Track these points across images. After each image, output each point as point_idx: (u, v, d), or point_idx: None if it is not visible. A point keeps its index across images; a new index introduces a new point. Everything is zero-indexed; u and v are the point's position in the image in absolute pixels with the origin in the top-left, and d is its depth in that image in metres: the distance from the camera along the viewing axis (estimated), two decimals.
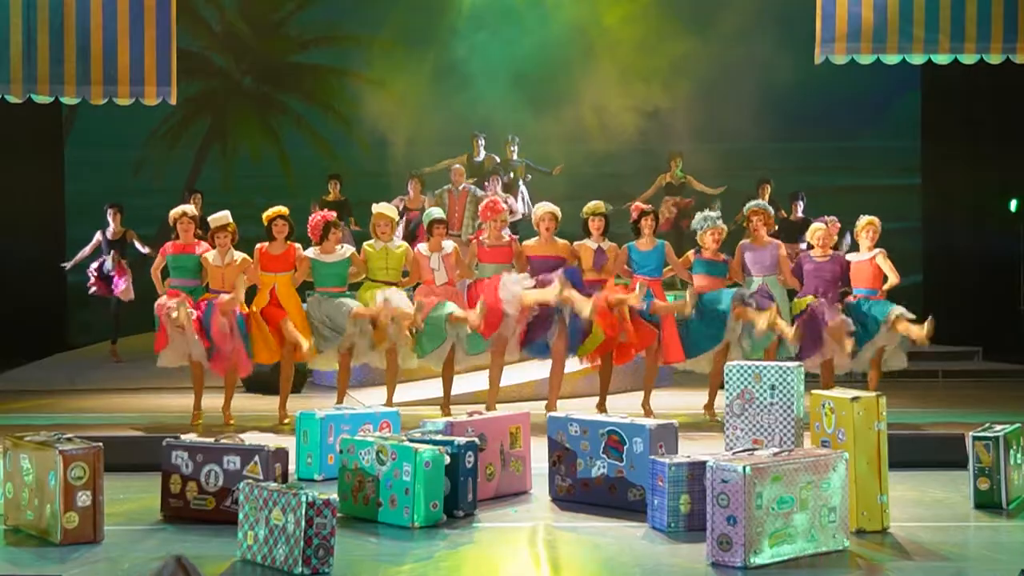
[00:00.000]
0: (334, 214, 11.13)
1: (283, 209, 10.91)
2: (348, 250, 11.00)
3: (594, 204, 11.02)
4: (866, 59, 12.48)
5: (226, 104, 19.52)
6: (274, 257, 10.83)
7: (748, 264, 10.99)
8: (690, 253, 11.11)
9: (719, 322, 10.61)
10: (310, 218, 11.04)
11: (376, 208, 11.05)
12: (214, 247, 10.75)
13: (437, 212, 11.19)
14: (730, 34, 18.11)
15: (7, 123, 15.09)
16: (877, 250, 10.88)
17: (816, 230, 11.03)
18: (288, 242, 10.84)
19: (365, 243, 11.05)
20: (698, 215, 11.20)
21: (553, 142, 17.82)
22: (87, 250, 14.73)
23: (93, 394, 13.14)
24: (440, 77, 18.64)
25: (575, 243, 10.93)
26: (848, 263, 10.93)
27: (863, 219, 10.98)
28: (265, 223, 10.86)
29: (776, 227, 12.56)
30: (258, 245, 10.90)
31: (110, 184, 17.68)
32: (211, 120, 19.49)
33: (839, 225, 11.25)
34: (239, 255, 10.76)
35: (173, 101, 12.81)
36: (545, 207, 10.99)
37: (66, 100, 12.78)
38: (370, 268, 10.87)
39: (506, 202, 15.07)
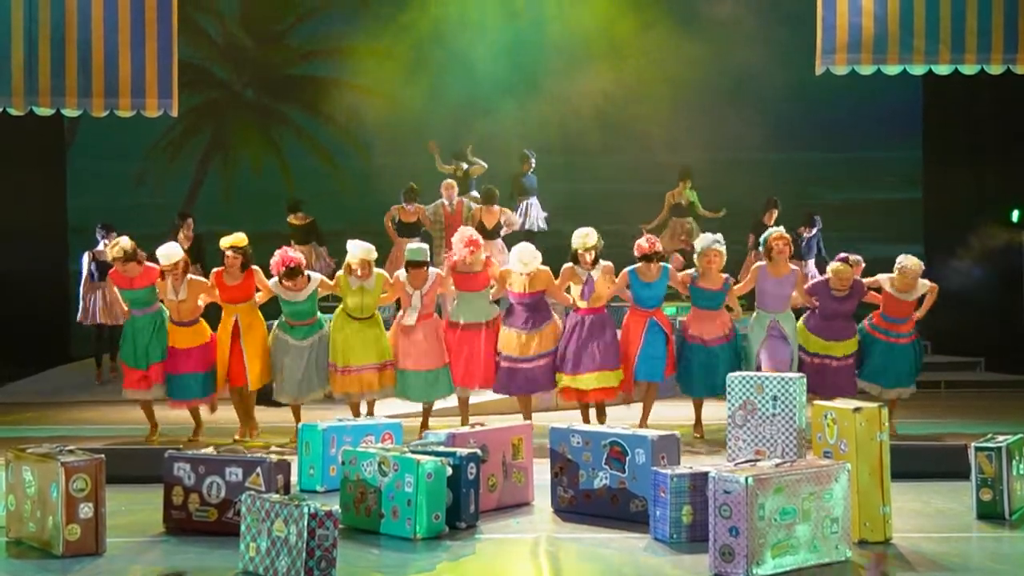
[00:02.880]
0: (300, 259, 10.32)
1: (238, 240, 10.41)
2: (315, 282, 10.44)
3: (584, 237, 10.30)
4: (867, 70, 12.49)
5: (227, 115, 19.53)
6: (231, 288, 10.43)
7: (765, 293, 10.45)
8: (688, 274, 10.55)
9: (713, 375, 10.33)
10: (273, 259, 10.35)
11: (352, 251, 10.40)
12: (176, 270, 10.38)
13: (414, 253, 10.48)
14: (729, 41, 18.12)
15: (10, 135, 15.09)
16: (926, 286, 10.45)
17: (840, 272, 10.36)
18: (246, 269, 10.40)
19: (339, 275, 10.54)
20: (700, 237, 10.72)
21: (556, 153, 17.84)
22: (84, 284, 14.53)
23: (95, 406, 13.14)
24: (440, 87, 18.65)
25: (564, 266, 10.40)
26: (864, 286, 10.51)
27: (909, 270, 10.32)
28: (221, 252, 10.46)
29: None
30: (214, 269, 10.57)
31: (112, 196, 17.69)
32: (212, 131, 19.50)
33: (863, 265, 10.80)
34: (195, 280, 10.47)
35: (175, 113, 12.82)
36: (530, 257, 10.31)
37: (67, 112, 12.79)
38: (344, 303, 10.44)
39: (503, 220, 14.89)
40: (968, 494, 7.57)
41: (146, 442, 10.53)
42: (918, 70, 12.65)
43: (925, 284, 10.51)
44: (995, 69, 12.40)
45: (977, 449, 7.50)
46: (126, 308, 10.66)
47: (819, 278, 11.00)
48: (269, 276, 10.44)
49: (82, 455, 6.76)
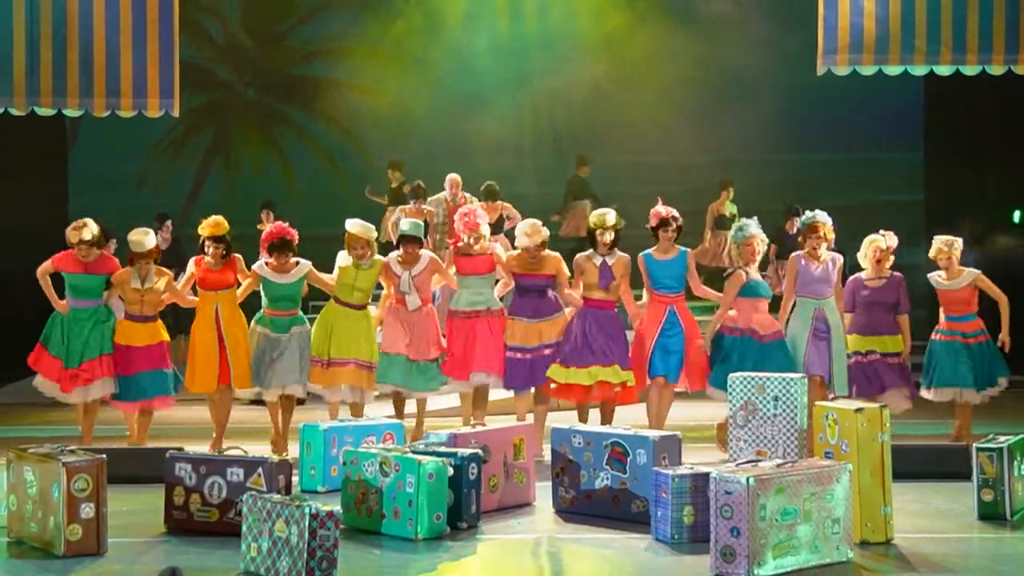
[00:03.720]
0: (295, 235, 9.90)
1: (217, 228, 9.82)
2: (305, 267, 9.91)
3: (602, 216, 9.88)
4: (868, 70, 12.47)
5: (229, 116, 19.55)
6: (213, 273, 9.83)
7: (809, 281, 9.80)
8: (740, 272, 9.68)
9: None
10: (266, 230, 10.03)
11: (349, 227, 9.92)
12: (133, 266, 9.85)
13: (407, 227, 9.99)
14: (729, 41, 18.13)
15: (11, 136, 15.09)
16: (973, 273, 10.06)
17: (872, 243, 10.02)
18: (227, 258, 9.86)
19: (340, 255, 10.01)
20: (736, 225, 9.94)
21: (553, 154, 17.86)
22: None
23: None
24: (440, 87, 18.69)
25: (578, 255, 9.90)
26: (902, 279, 10.08)
27: (938, 241, 10.12)
28: (200, 239, 9.86)
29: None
30: (195, 258, 9.97)
31: (114, 197, 17.71)
32: (214, 131, 19.53)
33: (896, 241, 10.18)
34: (161, 269, 9.99)
35: (176, 113, 12.80)
36: (533, 229, 9.79)
37: (69, 112, 12.79)
38: (339, 285, 9.86)
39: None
40: (969, 495, 7.57)
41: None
42: (919, 71, 12.64)
43: (971, 272, 10.10)
44: (996, 70, 12.39)
45: (978, 450, 7.50)
46: (62, 300, 9.98)
47: (852, 277, 10.33)
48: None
49: (83, 455, 6.77)
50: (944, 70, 12.51)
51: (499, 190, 14.71)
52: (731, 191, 16.06)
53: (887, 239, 10.08)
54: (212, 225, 9.83)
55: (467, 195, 15.00)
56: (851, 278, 10.23)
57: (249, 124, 19.64)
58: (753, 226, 9.75)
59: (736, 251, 9.83)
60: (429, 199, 14.84)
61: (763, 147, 18.24)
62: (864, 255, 10.13)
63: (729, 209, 15.93)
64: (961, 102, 16.92)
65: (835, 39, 12.33)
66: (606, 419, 9.75)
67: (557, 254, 9.97)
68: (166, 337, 10.10)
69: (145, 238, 9.91)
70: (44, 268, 10.05)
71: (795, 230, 14.75)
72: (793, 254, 10.07)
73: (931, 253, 10.22)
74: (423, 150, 17.63)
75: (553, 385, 9.82)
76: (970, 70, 12.44)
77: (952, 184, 17.45)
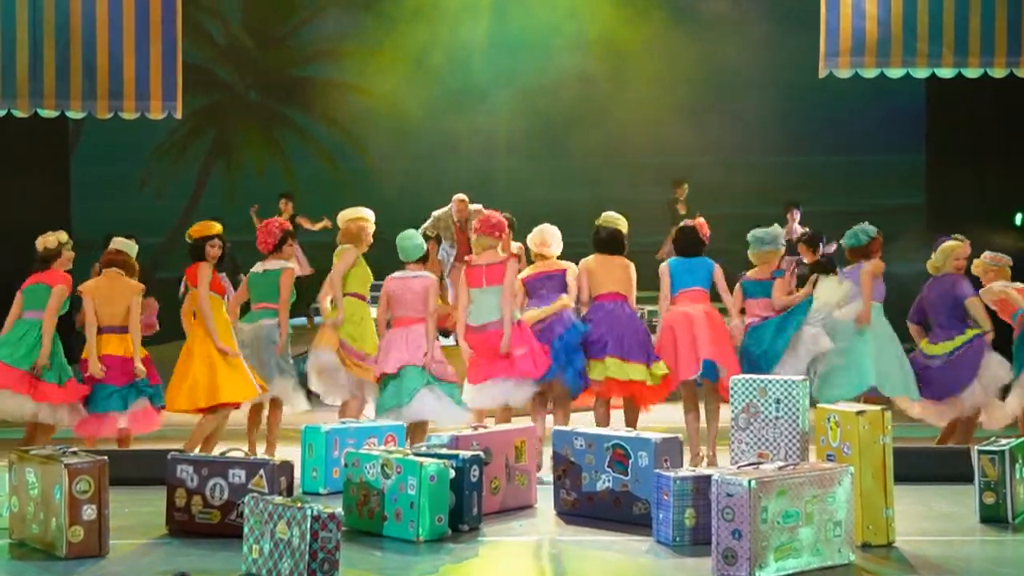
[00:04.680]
0: (288, 225, 9.80)
1: (219, 227, 9.57)
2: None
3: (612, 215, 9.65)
4: (870, 73, 12.49)
5: (230, 117, 19.58)
6: (218, 279, 9.53)
7: (880, 289, 9.67)
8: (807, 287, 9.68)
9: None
10: (262, 224, 9.83)
11: (361, 213, 9.72)
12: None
13: (418, 239, 9.59)
14: (730, 43, 18.14)
15: (14, 138, 15.10)
16: (985, 288, 9.83)
17: (955, 249, 9.78)
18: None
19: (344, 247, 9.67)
20: (765, 232, 9.74)
21: (547, 157, 17.86)
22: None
23: None
24: (440, 88, 18.70)
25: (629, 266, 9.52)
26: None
27: (984, 256, 9.94)
28: (198, 240, 9.44)
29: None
30: (201, 263, 9.36)
31: (116, 199, 17.75)
32: (216, 133, 19.55)
33: (968, 243, 9.94)
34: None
35: (179, 115, 12.82)
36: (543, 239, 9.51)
37: (72, 114, 12.80)
38: (356, 278, 9.43)
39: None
40: (971, 497, 7.57)
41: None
42: (921, 73, 12.65)
43: (992, 289, 9.88)
44: (998, 73, 12.41)
45: (980, 452, 7.50)
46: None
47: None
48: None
49: (85, 456, 6.77)
50: (946, 73, 12.53)
51: (515, 225, 13.08)
52: (796, 213, 15.30)
53: (964, 245, 9.86)
54: (213, 226, 9.52)
55: (477, 207, 14.59)
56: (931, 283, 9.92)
57: (251, 126, 19.67)
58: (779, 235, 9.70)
59: (762, 258, 9.68)
60: (432, 213, 13.72)
61: (763, 148, 18.23)
62: (944, 261, 9.83)
63: (796, 232, 14.76)
64: (963, 104, 16.93)
65: (837, 42, 12.35)
66: (632, 421, 9.43)
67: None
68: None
69: (129, 241, 9.71)
70: (59, 301, 9.46)
71: (797, 222, 14.72)
72: (876, 263, 9.69)
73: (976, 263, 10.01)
74: (424, 151, 17.64)
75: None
76: (972, 73, 12.46)
77: (953, 187, 17.44)
